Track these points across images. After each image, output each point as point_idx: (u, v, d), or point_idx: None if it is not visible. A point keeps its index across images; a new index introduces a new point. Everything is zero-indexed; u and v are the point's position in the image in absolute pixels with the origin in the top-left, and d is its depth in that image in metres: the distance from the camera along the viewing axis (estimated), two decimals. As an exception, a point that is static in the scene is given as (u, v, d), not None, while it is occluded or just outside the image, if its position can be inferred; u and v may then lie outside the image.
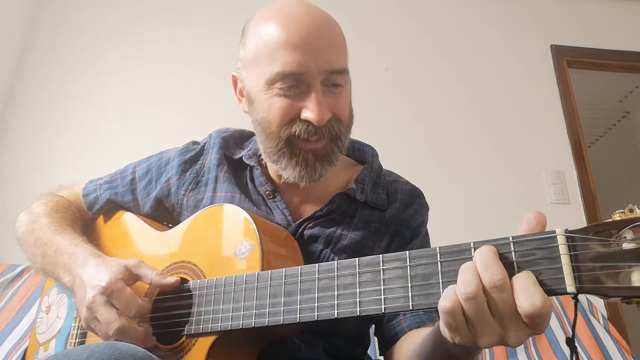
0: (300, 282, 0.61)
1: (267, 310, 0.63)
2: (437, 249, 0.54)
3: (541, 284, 0.47)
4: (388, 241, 0.85)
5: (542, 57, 2.54)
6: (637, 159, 3.60)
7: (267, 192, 0.86)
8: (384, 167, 0.93)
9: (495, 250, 0.49)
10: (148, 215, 0.94)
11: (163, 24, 2.42)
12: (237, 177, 0.89)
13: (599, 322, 1.70)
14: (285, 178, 0.80)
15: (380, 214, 0.86)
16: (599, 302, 1.82)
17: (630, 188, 3.55)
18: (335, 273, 0.59)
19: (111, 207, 0.98)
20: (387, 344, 0.82)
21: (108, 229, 0.96)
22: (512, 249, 0.50)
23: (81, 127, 2.20)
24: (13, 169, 2.09)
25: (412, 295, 0.54)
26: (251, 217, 0.73)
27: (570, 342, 0.52)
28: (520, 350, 1.63)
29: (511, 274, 0.48)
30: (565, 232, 0.48)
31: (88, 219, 0.99)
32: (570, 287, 0.46)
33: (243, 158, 0.90)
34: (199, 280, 0.72)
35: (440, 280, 0.52)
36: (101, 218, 0.99)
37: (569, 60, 2.55)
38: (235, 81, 0.86)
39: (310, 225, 0.82)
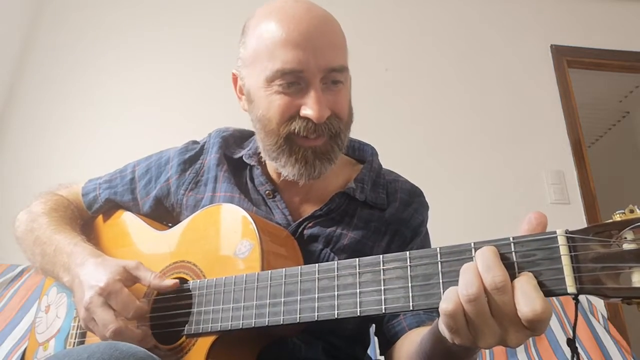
0: (301, 282, 0.61)
1: (267, 310, 0.62)
2: (438, 249, 0.54)
3: (542, 284, 0.47)
4: (388, 241, 0.85)
5: (542, 57, 2.54)
6: (637, 159, 3.60)
7: (267, 192, 0.86)
8: (383, 166, 0.93)
9: (497, 251, 0.49)
10: (147, 215, 0.94)
11: (163, 24, 2.42)
12: (236, 177, 0.89)
13: (599, 322, 1.70)
14: (284, 176, 0.80)
15: (380, 213, 0.86)
16: (599, 303, 1.82)
17: (630, 188, 3.54)
18: (336, 273, 0.59)
19: (110, 207, 0.97)
20: (388, 344, 0.82)
21: (107, 229, 0.96)
22: (513, 249, 0.50)
23: (81, 127, 2.20)
24: (13, 169, 2.09)
25: (412, 296, 0.54)
26: (251, 216, 0.73)
27: (571, 343, 0.52)
28: (520, 350, 1.63)
29: (512, 275, 0.48)
30: (566, 233, 0.48)
31: (87, 218, 0.98)
32: (571, 287, 0.46)
33: (243, 157, 0.89)
34: (198, 280, 0.72)
35: (441, 281, 0.52)
36: (100, 217, 0.98)
37: (569, 60, 2.55)
38: (235, 79, 0.86)
39: (310, 224, 0.82)
